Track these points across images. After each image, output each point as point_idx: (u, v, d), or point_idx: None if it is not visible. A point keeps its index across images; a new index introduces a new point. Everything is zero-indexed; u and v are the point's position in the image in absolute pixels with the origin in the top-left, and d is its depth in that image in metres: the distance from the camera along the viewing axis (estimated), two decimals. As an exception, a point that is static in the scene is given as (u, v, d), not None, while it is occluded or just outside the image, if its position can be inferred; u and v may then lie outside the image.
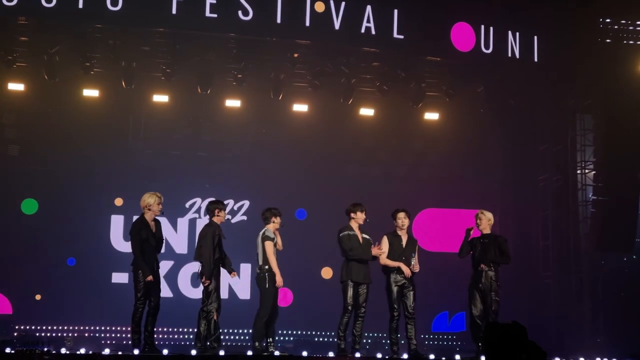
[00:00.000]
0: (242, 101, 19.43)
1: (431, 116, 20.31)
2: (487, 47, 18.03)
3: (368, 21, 16.98)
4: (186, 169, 20.07)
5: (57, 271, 19.26)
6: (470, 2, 17.98)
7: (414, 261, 13.05)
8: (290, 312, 18.92)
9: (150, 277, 12.43)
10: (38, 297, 19.23)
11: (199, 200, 20.00)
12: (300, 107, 19.76)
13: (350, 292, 12.82)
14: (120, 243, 19.64)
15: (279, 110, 19.82)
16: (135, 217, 19.08)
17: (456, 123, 20.51)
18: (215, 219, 13.11)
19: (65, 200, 19.44)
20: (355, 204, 13.29)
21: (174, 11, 16.25)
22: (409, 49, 17.86)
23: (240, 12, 16.47)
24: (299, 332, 19.85)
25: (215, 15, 16.40)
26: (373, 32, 17.04)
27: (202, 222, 19.24)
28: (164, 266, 19.20)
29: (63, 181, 19.47)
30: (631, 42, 19.60)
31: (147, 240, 12.66)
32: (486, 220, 13.54)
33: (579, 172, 20.19)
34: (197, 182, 20.21)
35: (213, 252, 12.83)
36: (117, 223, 19.78)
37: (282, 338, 19.32)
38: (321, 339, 19.91)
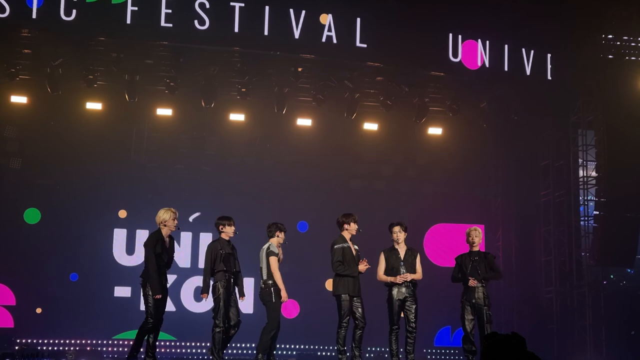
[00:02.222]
0: (246, 115, 19.46)
1: (435, 131, 20.35)
2: (490, 64, 18.07)
3: (329, 30, 16.98)
4: (189, 182, 20.07)
5: (59, 284, 19.24)
6: (474, 18, 18.00)
7: (403, 270, 12.96)
8: (295, 325, 18.92)
9: (158, 296, 12.38)
10: (39, 310, 19.21)
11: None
12: (304, 122, 19.79)
13: (346, 306, 12.74)
14: (123, 257, 19.66)
15: (282, 125, 19.85)
16: (138, 231, 19.32)
17: (459, 138, 20.57)
18: (222, 235, 13.07)
19: (68, 213, 19.44)
20: (347, 214, 13.11)
21: (178, 24, 16.34)
22: (413, 64, 17.93)
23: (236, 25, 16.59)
24: (302, 347, 19.83)
25: (208, 27, 16.49)
26: (334, 40, 16.98)
27: (205, 236, 19.29)
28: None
29: (66, 194, 19.48)
30: (633, 58, 19.68)
31: (161, 256, 12.53)
32: (480, 238, 13.47)
33: (581, 187, 20.19)
34: (201, 196, 20.20)
35: (210, 267, 12.79)
36: (119, 237, 19.77)
37: (285, 352, 19.32)
38: (324, 353, 19.88)
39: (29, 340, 18.92)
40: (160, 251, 12.41)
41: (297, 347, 19.85)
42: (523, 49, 18.39)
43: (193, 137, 20.19)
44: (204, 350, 19.18)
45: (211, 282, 12.74)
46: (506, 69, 18.26)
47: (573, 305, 19.79)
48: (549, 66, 18.65)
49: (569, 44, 19.01)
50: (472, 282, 13.12)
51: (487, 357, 5.91)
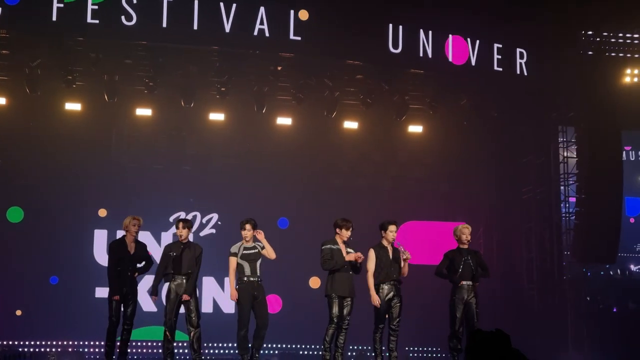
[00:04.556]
0: (225, 115, 19.40)
1: (415, 129, 20.31)
2: (470, 60, 18.07)
3: (262, 23, 16.82)
4: (170, 182, 20.01)
5: (40, 286, 19.14)
6: (454, 15, 17.99)
7: (402, 249, 12.96)
8: (277, 322, 18.88)
9: (116, 297, 12.75)
10: (19, 312, 19.11)
11: (182, 214, 19.91)
12: (284, 120, 19.75)
13: (335, 306, 12.73)
14: (104, 257, 19.49)
15: (262, 124, 19.78)
16: (119, 232, 19.24)
17: (440, 136, 20.56)
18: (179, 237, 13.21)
19: (49, 215, 19.35)
20: (345, 220, 13.04)
21: (163, 24, 16.29)
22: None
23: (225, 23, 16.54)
24: (284, 346, 19.78)
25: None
26: (267, 34, 16.80)
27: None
28: (148, 280, 19.19)
29: (46, 195, 19.36)
30: (612, 54, 19.75)
31: (122, 260, 12.91)
32: (467, 235, 13.40)
33: (562, 184, 20.25)
34: (181, 196, 20.15)
35: (161, 268, 12.96)
36: (100, 237, 19.67)
37: (267, 352, 19.26)
38: (306, 352, 19.85)
39: (10, 342, 18.79)
40: (121, 255, 12.89)
41: (279, 346, 19.78)
42: (503, 46, 18.41)
43: (173, 137, 20.15)
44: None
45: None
46: (486, 66, 18.27)
47: (554, 302, 19.84)
48: (529, 63, 18.67)
49: (548, 40, 19.03)
50: (463, 283, 13.12)
51: (472, 355, 5.89)
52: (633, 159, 22.12)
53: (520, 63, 18.59)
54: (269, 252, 12.90)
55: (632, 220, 21.25)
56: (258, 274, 12.79)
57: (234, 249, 12.85)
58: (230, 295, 12.86)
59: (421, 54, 17.71)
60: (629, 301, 20.50)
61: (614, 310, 20.20)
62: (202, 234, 19.88)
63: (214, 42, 17.12)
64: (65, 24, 16.11)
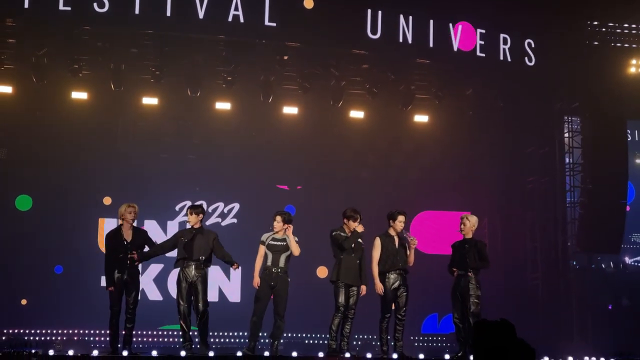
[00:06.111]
0: (232, 104, 19.41)
1: (421, 118, 20.32)
2: (476, 50, 18.06)
3: (236, 9, 16.68)
4: (175, 171, 20.02)
5: (45, 275, 19.18)
6: (460, 4, 17.98)
7: (408, 235, 13.07)
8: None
9: (111, 288, 12.91)
10: (24, 301, 19.15)
11: (188, 203, 19.89)
12: (290, 110, 19.74)
13: (341, 294, 12.79)
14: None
15: (269, 113, 19.77)
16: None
17: (445, 125, 20.55)
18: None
19: (55, 203, 19.37)
20: (355, 211, 13.09)
21: (167, 13, 16.34)
22: (397, 51, 17.89)
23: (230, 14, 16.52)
24: (290, 334, 19.78)
25: (203, 17, 16.45)
26: (242, 20, 16.73)
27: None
28: (154, 269, 19.24)
29: (52, 184, 19.40)
30: (618, 44, 19.76)
31: (118, 248, 12.98)
32: (470, 226, 13.43)
33: (567, 174, 20.24)
34: (187, 185, 20.16)
35: (163, 244, 13.41)
36: (104, 226, 19.68)
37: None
38: (311, 341, 19.88)
39: (16, 331, 18.85)
40: (115, 245, 12.98)
41: (284, 334, 19.77)
42: (508, 35, 18.39)
43: (179, 126, 20.14)
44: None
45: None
46: (491, 55, 18.26)
47: (559, 292, 19.85)
48: (535, 52, 18.65)
49: (553, 30, 19.01)
50: (456, 273, 13.24)
51: (477, 344, 5.93)
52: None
53: (526, 53, 18.57)
54: (293, 248, 12.94)
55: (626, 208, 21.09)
56: (280, 266, 12.86)
57: (263, 237, 12.96)
58: (253, 282, 12.93)
59: (431, 44, 17.76)
60: (623, 297, 20.49)
61: (609, 307, 20.18)
62: (207, 222, 19.90)
63: (220, 32, 17.14)
64: (38, 11, 16.15)
